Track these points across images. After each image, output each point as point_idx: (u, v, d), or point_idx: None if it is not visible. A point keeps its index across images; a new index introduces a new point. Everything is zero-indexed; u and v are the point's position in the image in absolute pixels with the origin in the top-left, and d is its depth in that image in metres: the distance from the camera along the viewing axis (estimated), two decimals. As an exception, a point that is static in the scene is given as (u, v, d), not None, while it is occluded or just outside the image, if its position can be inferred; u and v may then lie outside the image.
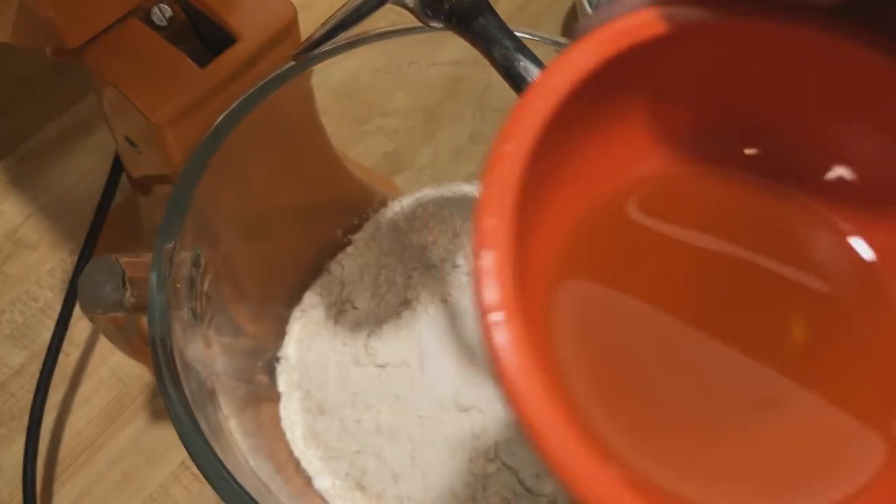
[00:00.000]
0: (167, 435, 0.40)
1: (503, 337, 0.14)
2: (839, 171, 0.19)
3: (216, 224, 0.33)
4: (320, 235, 0.40)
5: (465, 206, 0.40)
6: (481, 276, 0.15)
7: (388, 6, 0.27)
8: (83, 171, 0.46)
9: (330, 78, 0.34)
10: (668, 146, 0.19)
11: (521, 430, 0.14)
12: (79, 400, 0.40)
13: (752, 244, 0.19)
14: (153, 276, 0.28)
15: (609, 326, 0.18)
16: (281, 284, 0.39)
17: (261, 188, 0.36)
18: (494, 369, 0.14)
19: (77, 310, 0.39)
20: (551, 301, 0.18)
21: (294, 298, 0.39)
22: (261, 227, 0.37)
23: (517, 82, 0.26)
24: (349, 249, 0.40)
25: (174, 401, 0.27)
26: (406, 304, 0.38)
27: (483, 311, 0.15)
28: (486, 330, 0.14)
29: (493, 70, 0.27)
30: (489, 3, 0.27)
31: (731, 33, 0.18)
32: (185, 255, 0.29)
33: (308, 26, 0.31)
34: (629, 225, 0.19)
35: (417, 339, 0.37)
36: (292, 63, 0.32)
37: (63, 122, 0.47)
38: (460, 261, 0.38)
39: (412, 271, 0.38)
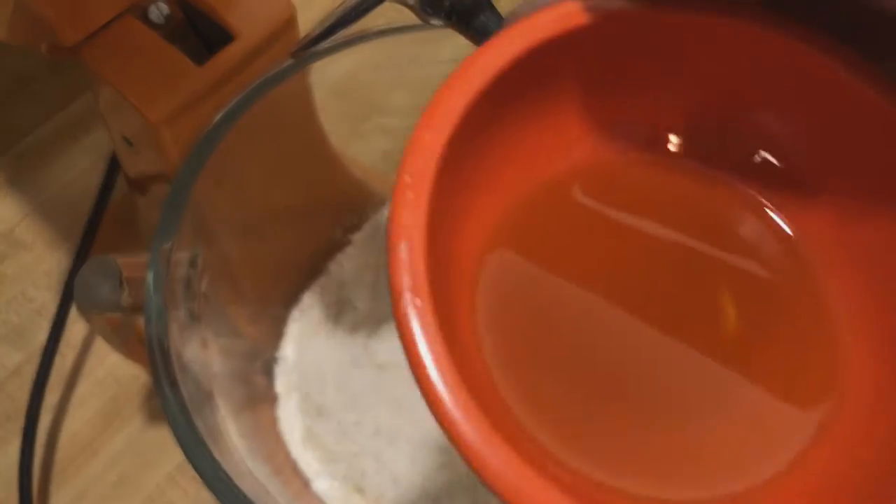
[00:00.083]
0: (164, 437, 0.39)
1: (413, 321, 0.15)
2: (763, 156, 0.20)
3: (214, 223, 0.33)
4: (319, 235, 0.39)
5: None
6: (394, 266, 0.15)
7: (387, 3, 0.26)
8: (79, 170, 0.46)
9: (328, 76, 0.34)
10: (601, 133, 0.20)
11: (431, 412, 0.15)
12: (75, 401, 0.40)
13: (683, 227, 0.20)
14: (150, 277, 0.28)
15: (536, 302, 0.19)
16: (279, 285, 0.39)
17: (259, 187, 0.36)
18: (405, 351, 0.15)
19: (74, 310, 0.38)
20: (480, 276, 0.18)
21: (292, 299, 0.39)
22: (259, 227, 0.37)
23: (518, 80, 0.26)
24: (348, 249, 0.39)
25: (171, 402, 0.27)
26: (405, 304, 0.37)
27: (395, 297, 0.15)
28: (398, 312, 0.15)
29: (493, 68, 0.26)
30: (490, 1, 0.27)
31: (653, 22, 0.18)
32: (183, 255, 0.29)
33: (306, 24, 0.31)
34: (564, 209, 0.20)
35: (417, 340, 0.36)
36: (290, 61, 0.32)
37: (59, 121, 0.47)
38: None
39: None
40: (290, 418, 0.36)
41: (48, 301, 0.42)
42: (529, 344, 0.18)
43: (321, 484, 0.35)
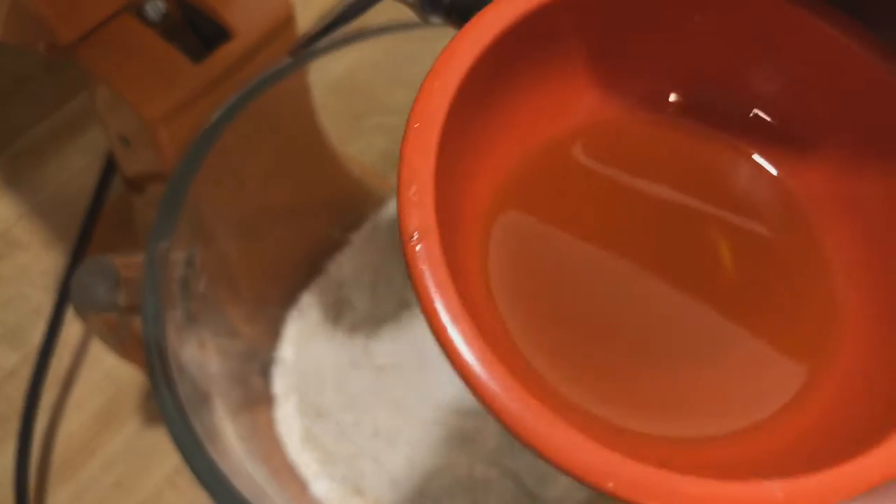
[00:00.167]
0: (162, 438, 0.39)
1: (423, 254, 0.15)
2: (757, 113, 0.20)
3: (211, 223, 0.33)
4: (317, 235, 0.39)
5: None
6: (404, 207, 0.15)
7: (386, 1, 0.26)
8: (76, 169, 0.45)
9: (327, 74, 0.34)
10: (602, 93, 0.20)
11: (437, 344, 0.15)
12: (72, 402, 0.40)
13: (683, 183, 0.20)
14: (147, 277, 0.28)
15: (542, 258, 0.19)
16: (277, 285, 0.38)
17: (256, 186, 0.36)
18: (412, 285, 0.15)
19: (71, 311, 0.38)
20: (490, 230, 0.19)
21: (290, 299, 0.39)
22: (256, 226, 0.36)
23: (519, 78, 0.26)
24: (347, 249, 0.39)
25: (168, 403, 0.27)
26: (405, 304, 0.37)
27: (405, 238, 0.15)
28: (408, 252, 0.15)
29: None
30: (490, -2, 0.27)
31: None
32: (180, 255, 0.29)
33: (305, 21, 0.31)
34: (567, 167, 0.20)
35: (416, 341, 0.36)
36: (289, 59, 0.32)
37: (55, 120, 0.47)
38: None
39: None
40: (288, 419, 0.36)
41: (45, 301, 0.42)
42: (536, 296, 0.19)
43: (320, 485, 0.34)
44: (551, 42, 0.19)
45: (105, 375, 0.41)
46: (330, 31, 0.27)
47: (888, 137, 0.19)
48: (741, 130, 0.21)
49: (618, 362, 0.19)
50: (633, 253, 0.20)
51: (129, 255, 0.30)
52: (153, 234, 0.29)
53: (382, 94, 0.37)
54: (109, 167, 0.38)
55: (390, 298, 0.38)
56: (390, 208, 0.40)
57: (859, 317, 0.19)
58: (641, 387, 0.18)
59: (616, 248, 0.20)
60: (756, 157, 0.21)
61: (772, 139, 0.20)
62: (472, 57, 0.17)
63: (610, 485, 0.14)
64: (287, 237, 0.38)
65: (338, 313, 0.38)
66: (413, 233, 0.15)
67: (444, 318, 0.15)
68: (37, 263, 0.43)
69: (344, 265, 0.39)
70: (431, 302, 0.15)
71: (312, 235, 0.39)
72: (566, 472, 0.15)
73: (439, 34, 0.32)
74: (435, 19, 0.27)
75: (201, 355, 0.30)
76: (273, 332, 0.38)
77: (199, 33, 0.34)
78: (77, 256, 0.39)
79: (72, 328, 0.40)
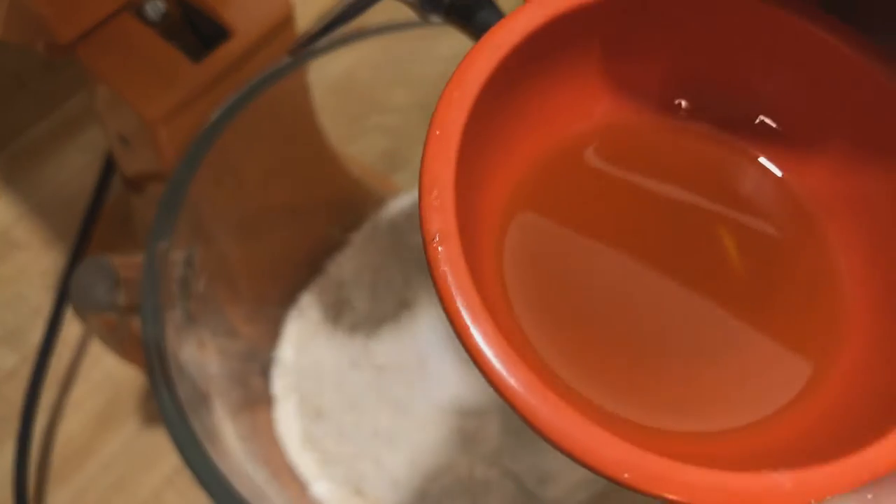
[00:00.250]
0: (161, 439, 0.39)
1: (445, 256, 0.16)
2: (762, 119, 0.21)
3: (210, 223, 0.33)
4: (317, 235, 0.39)
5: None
6: (426, 211, 0.16)
7: (386, 1, 0.26)
8: (75, 169, 0.45)
9: (327, 74, 0.34)
10: (615, 98, 0.21)
11: (457, 339, 0.16)
12: (71, 403, 0.40)
13: (693, 185, 0.21)
14: (146, 277, 0.28)
15: (557, 259, 0.20)
16: (277, 285, 0.38)
17: (256, 186, 0.36)
18: (435, 286, 0.16)
19: (70, 311, 0.38)
20: (505, 233, 0.19)
21: (290, 299, 0.39)
22: (256, 226, 0.36)
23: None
24: (347, 249, 0.39)
25: (167, 403, 0.26)
26: (405, 304, 0.37)
27: (427, 241, 0.16)
28: (430, 254, 0.16)
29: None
30: (490, -3, 0.26)
31: None
32: (179, 255, 0.29)
33: (304, 21, 0.31)
34: (580, 169, 0.21)
35: (417, 341, 0.36)
36: (288, 59, 0.32)
37: (54, 120, 0.47)
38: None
39: (411, 271, 0.38)
40: (288, 420, 0.36)
41: (44, 301, 0.42)
42: (550, 295, 0.19)
43: (320, 487, 0.34)
44: (566, 50, 0.19)
45: (104, 376, 0.41)
46: (329, 30, 0.27)
47: (888, 137, 0.19)
48: (748, 135, 0.21)
49: (631, 360, 0.19)
50: (645, 252, 0.20)
51: (128, 255, 0.30)
52: (153, 233, 0.29)
53: (382, 94, 0.37)
54: (109, 167, 0.38)
55: (390, 298, 0.38)
56: (390, 208, 0.40)
57: (864, 313, 0.19)
58: (653, 384, 0.19)
59: (628, 248, 0.20)
60: (762, 160, 0.21)
61: (777, 143, 0.21)
62: (490, 67, 0.18)
63: (626, 475, 0.15)
64: (287, 237, 0.38)
65: (338, 313, 0.38)
66: (435, 235, 0.16)
67: (467, 318, 0.15)
68: (36, 263, 0.43)
69: (344, 265, 0.39)
70: (454, 302, 0.15)
71: (312, 235, 0.39)
72: (584, 464, 0.15)
73: (439, 34, 0.32)
74: (435, 18, 0.27)
75: (201, 355, 0.30)
76: (273, 332, 0.38)
77: (198, 33, 0.34)
78: (76, 256, 0.39)
79: (71, 328, 0.40)
